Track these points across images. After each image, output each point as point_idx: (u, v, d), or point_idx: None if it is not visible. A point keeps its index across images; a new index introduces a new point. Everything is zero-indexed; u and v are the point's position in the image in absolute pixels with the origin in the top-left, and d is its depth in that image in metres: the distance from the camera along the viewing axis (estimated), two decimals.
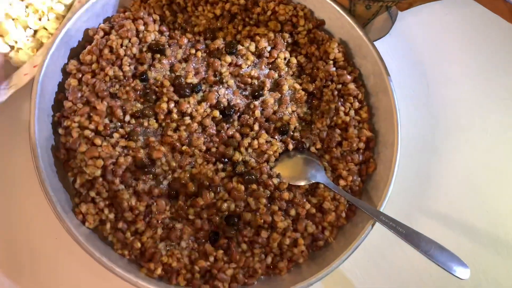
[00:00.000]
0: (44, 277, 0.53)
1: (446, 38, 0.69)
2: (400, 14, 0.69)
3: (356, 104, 0.58)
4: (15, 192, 0.55)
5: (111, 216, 0.49)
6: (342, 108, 0.58)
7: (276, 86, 0.58)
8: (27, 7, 0.57)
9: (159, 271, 0.48)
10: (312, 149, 0.57)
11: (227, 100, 0.56)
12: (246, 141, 0.55)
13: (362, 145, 0.56)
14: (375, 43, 0.66)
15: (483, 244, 0.59)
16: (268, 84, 0.57)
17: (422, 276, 0.56)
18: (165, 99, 0.54)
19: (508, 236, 0.60)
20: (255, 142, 0.55)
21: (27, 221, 0.54)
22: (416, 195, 0.60)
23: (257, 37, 0.59)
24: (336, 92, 0.58)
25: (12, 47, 0.58)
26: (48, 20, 0.58)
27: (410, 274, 0.56)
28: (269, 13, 0.60)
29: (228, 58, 0.57)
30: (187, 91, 0.55)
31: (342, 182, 0.54)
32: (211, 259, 0.49)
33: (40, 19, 0.57)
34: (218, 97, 0.56)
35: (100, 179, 0.50)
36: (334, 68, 0.59)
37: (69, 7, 0.59)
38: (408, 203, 0.60)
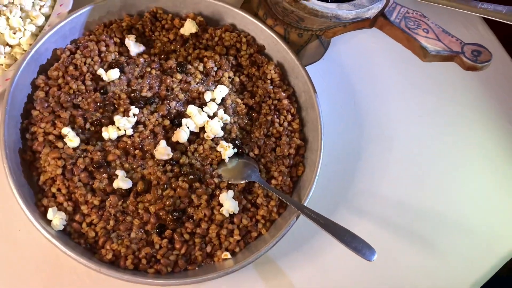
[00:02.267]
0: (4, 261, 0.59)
1: (372, 62, 0.80)
2: (333, 41, 0.80)
3: (289, 117, 0.68)
4: None
5: (70, 209, 0.57)
6: (277, 120, 0.67)
7: (221, 100, 0.67)
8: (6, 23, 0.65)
9: (109, 255, 0.55)
10: (251, 154, 0.65)
11: (177, 111, 0.65)
12: (193, 146, 0.63)
13: (292, 151, 0.65)
14: (309, 66, 0.77)
15: (397, 236, 0.68)
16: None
17: (340, 261, 0.65)
18: (122, 109, 0.62)
19: (419, 230, 0.69)
20: (201, 147, 0.63)
21: None
22: (343, 194, 0.70)
23: (205, 59, 0.68)
24: (272, 107, 0.68)
25: None
26: (23, 36, 0.66)
27: (331, 260, 0.65)
28: (216, 39, 0.70)
29: (179, 76, 0.66)
30: (142, 103, 0.64)
31: (273, 182, 0.63)
32: (157, 246, 0.57)
33: (14, 33, 0.65)
34: (169, 109, 0.64)
35: (61, 177, 0.57)
36: (271, 87, 0.69)
37: (41, 28, 0.67)
38: (335, 200, 0.69)
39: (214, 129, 0.63)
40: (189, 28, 0.69)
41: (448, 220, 0.71)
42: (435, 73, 0.79)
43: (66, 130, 0.59)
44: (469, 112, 0.79)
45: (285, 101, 0.68)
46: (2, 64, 0.64)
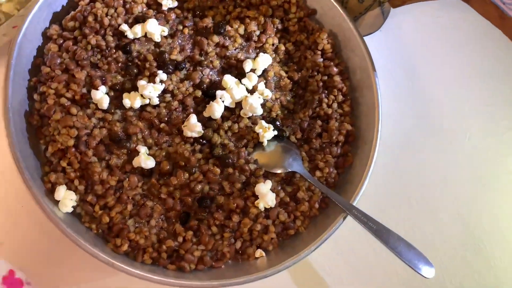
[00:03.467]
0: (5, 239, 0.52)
1: (435, 39, 0.69)
2: (392, 11, 0.68)
3: (340, 97, 0.58)
4: None
5: (81, 188, 0.49)
6: (326, 100, 0.57)
7: (262, 71, 0.57)
8: None
9: (125, 247, 0.47)
10: (292, 138, 0.56)
11: (211, 80, 0.55)
12: (226, 124, 0.54)
13: (341, 138, 0.56)
14: (364, 38, 0.66)
15: (453, 247, 0.59)
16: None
17: (388, 272, 0.57)
18: (147, 73, 0.53)
19: (477, 241, 0.61)
20: (235, 126, 0.54)
21: None
22: (392, 192, 0.61)
23: (247, 20, 0.58)
24: (321, 83, 0.58)
25: None
26: None
27: (377, 270, 0.57)
28: None
29: (216, 38, 0.56)
30: (171, 68, 0.54)
31: (318, 173, 0.54)
32: (180, 239, 0.49)
33: None
34: (201, 77, 0.55)
35: (73, 149, 0.49)
36: (321, 59, 0.59)
37: None
38: (384, 199, 0.60)
39: (253, 106, 0.53)
40: None
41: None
42: (509, 59, 0.68)
43: (98, 94, 0.50)
44: None
45: (337, 78, 0.58)
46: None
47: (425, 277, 0.48)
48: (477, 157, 0.64)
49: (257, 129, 0.54)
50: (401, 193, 0.61)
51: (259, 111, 0.54)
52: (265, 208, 0.51)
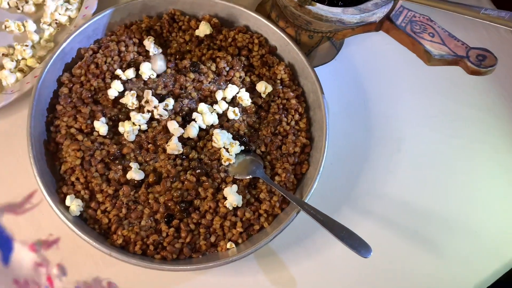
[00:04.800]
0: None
1: (385, 63, 0.81)
2: (346, 42, 0.81)
3: (297, 116, 0.70)
4: (14, 174, 0.67)
5: (86, 196, 0.62)
6: (285, 119, 0.69)
7: (231, 99, 0.71)
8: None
9: (120, 241, 0.60)
10: (258, 151, 0.68)
11: (190, 108, 0.69)
12: (202, 143, 0.67)
13: (298, 149, 0.67)
14: (321, 66, 0.79)
15: (400, 237, 0.69)
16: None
17: (334, 253, 0.68)
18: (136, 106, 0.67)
19: (423, 232, 0.70)
20: (209, 143, 0.67)
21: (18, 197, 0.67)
22: (346, 193, 0.71)
23: (218, 59, 0.72)
24: (281, 106, 0.70)
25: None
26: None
27: (332, 256, 0.67)
28: (230, 40, 0.73)
29: (192, 75, 0.70)
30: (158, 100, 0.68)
31: (277, 178, 0.65)
32: (164, 234, 0.61)
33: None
34: (181, 106, 0.68)
35: (79, 167, 0.62)
36: (280, 87, 0.71)
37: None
38: (338, 199, 0.71)
39: (219, 138, 0.65)
40: (203, 30, 0.72)
41: (454, 224, 0.71)
42: (448, 74, 0.79)
43: (99, 124, 0.65)
44: (484, 115, 0.79)
45: (294, 101, 0.70)
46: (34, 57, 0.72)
47: (365, 257, 0.58)
48: (419, 162, 0.74)
49: (225, 145, 0.66)
50: (353, 194, 0.72)
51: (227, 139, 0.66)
52: (234, 207, 0.63)
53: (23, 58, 0.72)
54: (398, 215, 0.71)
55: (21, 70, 0.72)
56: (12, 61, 0.72)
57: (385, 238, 0.69)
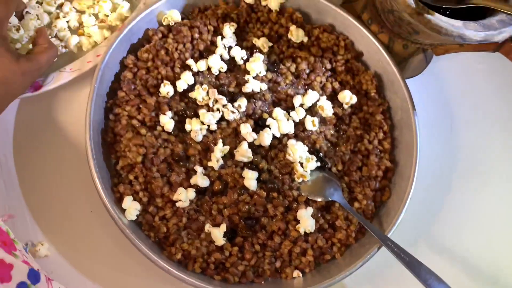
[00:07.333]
0: (74, 240, 0.58)
1: (475, 85, 0.73)
2: (435, 57, 0.72)
3: (381, 135, 0.62)
4: (64, 163, 0.60)
5: (145, 199, 0.55)
6: (367, 136, 0.62)
7: (309, 107, 0.63)
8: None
9: (179, 255, 0.53)
10: (334, 169, 0.61)
11: (262, 111, 0.61)
12: (273, 152, 0.59)
13: (380, 173, 0.60)
14: (407, 80, 0.71)
15: (481, 284, 0.61)
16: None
17: None
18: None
19: (508, 280, 0.62)
20: (281, 154, 0.59)
21: (70, 190, 0.59)
22: (425, 228, 0.64)
23: (298, 59, 0.64)
24: (363, 121, 0.63)
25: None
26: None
27: None
28: (312, 38, 0.65)
29: (269, 75, 0.62)
30: (228, 98, 0.60)
31: (356, 204, 0.58)
32: (226, 253, 0.54)
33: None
34: (254, 109, 0.61)
35: (140, 165, 0.55)
36: (365, 98, 0.63)
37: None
38: (417, 233, 0.63)
39: (296, 151, 0.58)
40: (297, 36, 0.64)
41: None
42: None
43: (165, 119, 0.57)
44: None
45: (379, 117, 0.62)
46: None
47: None
48: (508, 202, 0.66)
49: (300, 159, 0.58)
50: (434, 229, 0.64)
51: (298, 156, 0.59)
52: (305, 232, 0.56)
53: (105, 15, 0.66)
54: (480, 261, 0.63)
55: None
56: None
57: (466, 285, 0.61)
